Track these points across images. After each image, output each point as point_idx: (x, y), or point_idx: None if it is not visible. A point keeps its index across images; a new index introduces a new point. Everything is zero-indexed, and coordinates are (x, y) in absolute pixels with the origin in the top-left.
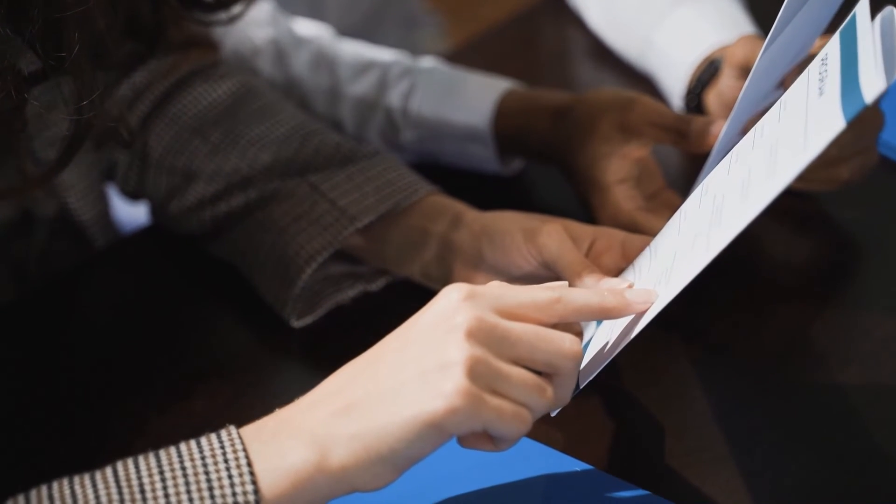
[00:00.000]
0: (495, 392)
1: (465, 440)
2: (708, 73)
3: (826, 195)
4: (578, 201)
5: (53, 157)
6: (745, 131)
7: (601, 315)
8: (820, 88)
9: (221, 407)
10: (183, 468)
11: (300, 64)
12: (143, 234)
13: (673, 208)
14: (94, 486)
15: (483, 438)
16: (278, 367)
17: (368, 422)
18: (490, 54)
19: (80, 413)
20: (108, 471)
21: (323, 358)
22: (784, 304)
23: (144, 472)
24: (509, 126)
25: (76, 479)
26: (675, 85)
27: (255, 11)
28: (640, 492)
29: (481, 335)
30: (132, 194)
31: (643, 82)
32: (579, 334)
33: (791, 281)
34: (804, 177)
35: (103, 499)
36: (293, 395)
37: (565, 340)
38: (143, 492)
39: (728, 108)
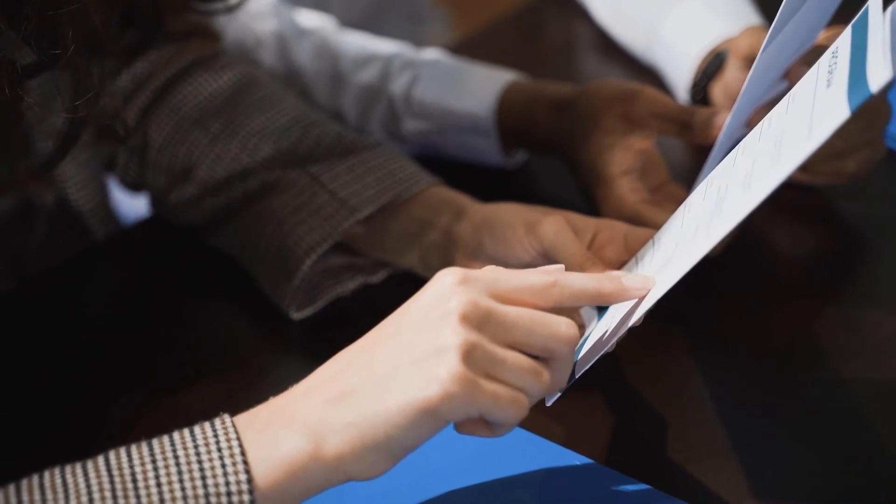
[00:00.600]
0: (491, 377)
1: (462, 426)
2: (714, 65)
3: (832, 188)
4: (581, 193)
5: (51, 149)
6: (749, 123)
7: (598, 300)
8: (828, 80)
9: (220, 399)
10: (176, 457)
11: (303, 54)
12: (142, 226)
13: (677, 201)
14: (86, 474)
15: (479, 424)
16: (278, 360)
17: (363, 409)
18: (495, 47)
19: (77, 404)
20: (100, 459)
21: (323, 350)
22: (789, 300)
23: (137, 461)
24: (512, 117)
25: (67, 469)
26: (680, 77)
27: (258, 3)
28: (642, 486)
29: (476, 319)
30: (132, 186)
31: (649, 75)
32: (582, 327)
33: (796, 276)
34: (811, 170)
35: (94, 487)
36: None
37: (561, 324)
38: (135, 480)
39: (734, 100)
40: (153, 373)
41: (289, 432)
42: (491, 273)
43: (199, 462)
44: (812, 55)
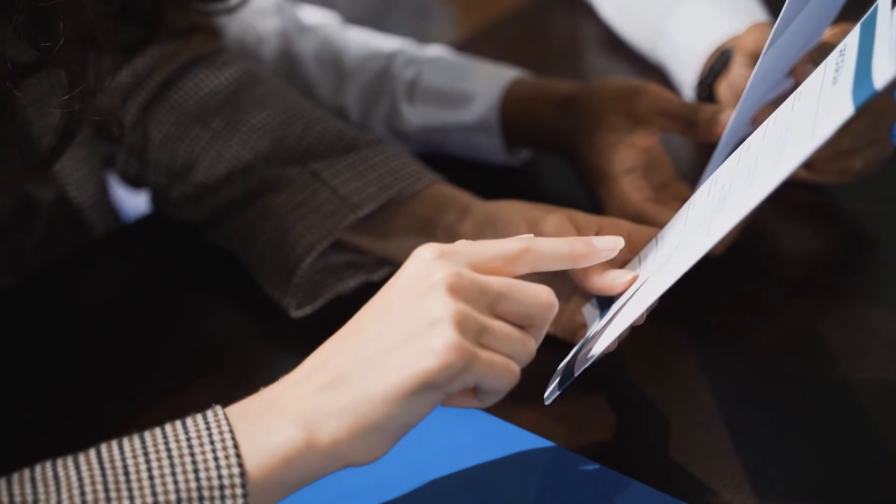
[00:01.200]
0: (483, 345)
1: (451, 398)
2: (720, 62)
3: (838, 187)
4: (585, 191)
5: (47, 146)
6: (754, 121)
7: (570, 261)
8: (835, 78)
9: (219, 397)
10: (168, 450)
11: (305, 51)
12: (142, 222)
13: (682, 200)
14: (78, 467)
15: (468, 395)
16: (277, 358)
17: (358, 391)
18: (500, 44)
19: (76, 400)
20: (92, 453)
21: None
22: (793, 299)
23: (129, 454)
24: (516, 115)
25: (59, 462)
26: (686, 75)
27: (261, 1)
28: (643, 487)
29: (462, 290)
30: (133, 182)
31: (655, 73)
32: (583, 326)
33: (801, 275)
34: (817, 168)
35: (86, 480)
36: None
37: (541, 291)
38: (127, 473)
39: (739, 97)
40: (152, 369)
41: (282, 421)
42: (465, 245)
43: (192, 455)
44: (818, 53)
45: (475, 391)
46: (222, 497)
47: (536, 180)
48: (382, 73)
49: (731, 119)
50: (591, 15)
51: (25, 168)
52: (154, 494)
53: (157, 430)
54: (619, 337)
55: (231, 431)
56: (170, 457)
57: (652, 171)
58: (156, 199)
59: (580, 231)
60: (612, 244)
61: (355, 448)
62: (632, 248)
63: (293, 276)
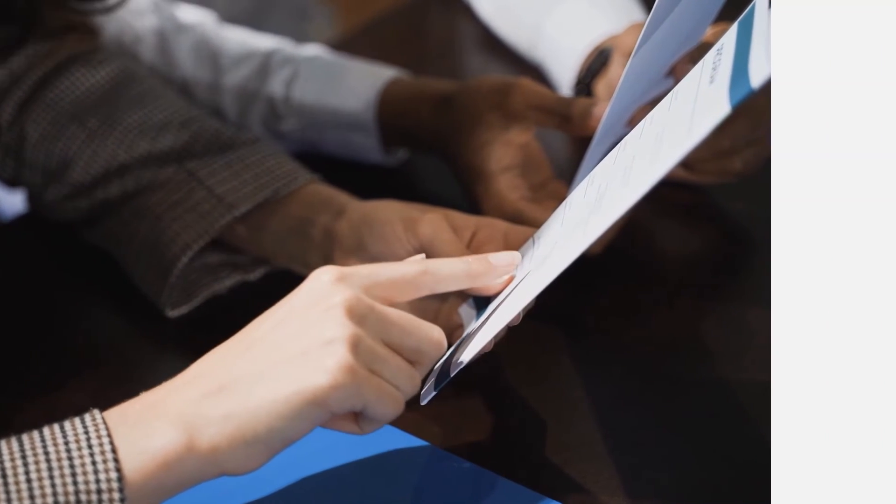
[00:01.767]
0: (373, 372)
1: (332, 420)
2: (598, 61)
3: (719, 188)
4: (462, 192)
5: None
6: (631, 122)
7: (469, 281)
8: (712, 77)
9: (94, 397)
10: (46, 453)
11: (182, 51)
12: (18, 222)
13: (560, 199)
14: None
15: (350, 419)
16: (154, 358)
17: (243, 401)
18: (379, 43)
19: None
20: None
21: (199, 348)
22: (672, 299)
23: (6, 456)
24: (393, 114)
25: None
26: (564, 74)
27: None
28: (518, 487)
29: (359, 315)
30: (9, 182)
31: (533, 72)
32: (460, 326)
33: (679, 275)
34: (697, 169)
35: None
36: None
37: (433, 330)
38: (4, 475)
39: None
40: (26, 370)
41: (162, 424)
42: (365, 269)
43: (70, 459)
44: (697, 52)
45: (357, 417)
46: (100, 501)
47: (413, 180)
48: (259, 72)
49: (605, 114)
50: (470, 15)
51: None
52: (31, 498)
53: (35, 434)
54: (495, 337)
55: (109, 435)
56: (48, 460)
57: (529, 169)
58: (32, 199)
59: (457, 231)
60: (509, 260)
61: (233, 457)
62: (508, 248)
63: (169, 276)
